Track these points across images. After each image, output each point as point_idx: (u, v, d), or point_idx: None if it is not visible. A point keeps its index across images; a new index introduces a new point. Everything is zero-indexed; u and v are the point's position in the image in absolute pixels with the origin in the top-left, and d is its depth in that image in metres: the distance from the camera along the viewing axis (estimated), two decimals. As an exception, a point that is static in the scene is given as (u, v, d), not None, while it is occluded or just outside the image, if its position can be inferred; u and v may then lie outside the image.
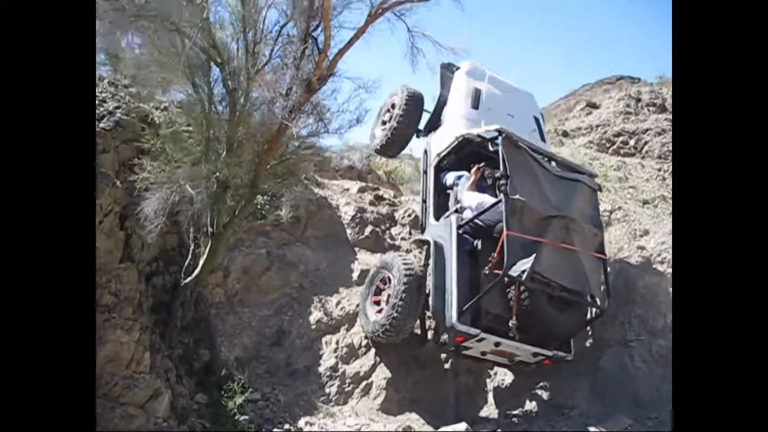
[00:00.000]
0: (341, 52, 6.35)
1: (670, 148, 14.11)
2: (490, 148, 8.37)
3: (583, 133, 15.32)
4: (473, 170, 8.62)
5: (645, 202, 12.02)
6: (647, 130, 14.94)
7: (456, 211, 8.34)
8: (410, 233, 11.48)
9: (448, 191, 9.05)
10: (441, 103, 10.14)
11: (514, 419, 8.43)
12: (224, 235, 7.01)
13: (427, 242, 8.53)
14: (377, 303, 8.68)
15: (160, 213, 5.75)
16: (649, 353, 8.61)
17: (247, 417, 6.97)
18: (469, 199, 8.29)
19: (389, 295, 8.34)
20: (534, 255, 7.04)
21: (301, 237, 10.30)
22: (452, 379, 9.03)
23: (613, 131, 15.09)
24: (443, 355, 9.15)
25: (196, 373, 7.39)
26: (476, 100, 9.90)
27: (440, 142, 9.54)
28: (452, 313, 7.33)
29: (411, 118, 10.25)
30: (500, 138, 7.76)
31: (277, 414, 7.57)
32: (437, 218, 8.77)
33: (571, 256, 7.60)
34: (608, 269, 8.30)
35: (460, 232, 8.02)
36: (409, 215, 11.78)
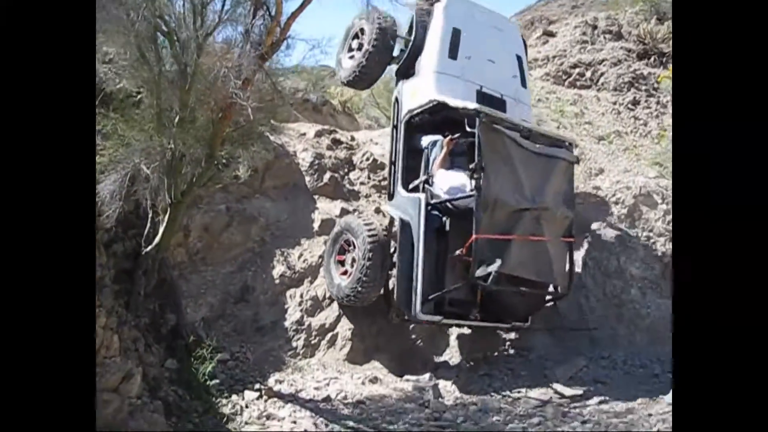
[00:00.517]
0: (294, 16, 6.17)
1: (626, 80, 14.21)
2: (467, 126, 7.66)
3: (539, 64, 15.26)
4: (446, 141, 8.13)
5: (600, 139, 12.19)
6: (603, 60, 14.95)
7: (426, 182, 8.18)
8: (369, 177, 11.49)
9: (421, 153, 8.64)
10: (415, 48, 8.90)
11: (474, 363, 8.75)
12: (183, 203, 6.94)
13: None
14: (341, 263, 8.61)
15: (117, 196, 5.66)
16: (603, 294, 8.96)
17: (217, 380, 7.09)
18: (441, 179, 7.99)
19: (354, 260, 8.25)
20: (501, 257, 7.14)
21: (260, 188, 10.24)
22: (415, 326, 9.28)
23: (570, 62, 15.07)
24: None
25: (164, 338, 7.44)
26: (455, 47, 8.76)
27: (413, 95, 8.63)
28: (416, 304, 7.45)
29: (383, 54, 9.21)
30: (478, 121, 7.29)
31: (247, 373, 7.74)
32: (406, 186, 8.33)
33: (538, 248, 7.72)
34: (573, 252, 8.44)
35: (429, 209, 7.83)
36: (368, 159, 11.75)
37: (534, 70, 15.29)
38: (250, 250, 9.46)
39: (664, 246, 9.61)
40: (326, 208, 10.47)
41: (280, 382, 7.69)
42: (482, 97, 8.53)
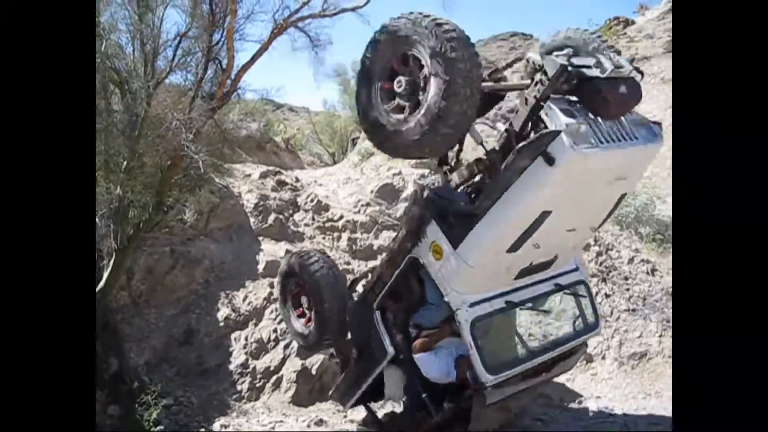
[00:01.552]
0: (244, 68, 6.39)
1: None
2: None
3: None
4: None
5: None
6: (538, 105, 15.55)
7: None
8: (313, 219, 11.65)
9: None
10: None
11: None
12: (129, 248, 6.98)
13: None
14: (300, 315, 7.32)
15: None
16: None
17: (162, 426, 7.06)
18: (425, 364, 6.10)
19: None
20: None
21: (205, 230, 10.27)
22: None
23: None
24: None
25: (107, 384, 7.39)
26: (524, 239, 5.23)
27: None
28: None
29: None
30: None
31: (192, 417, 7.72)
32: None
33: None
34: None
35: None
36: (312, 200, 11.93)
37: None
38: (195, 292, 9.45)
39: (597, 286, 10.02)
40: (271, 249, 10.56)
41: (226, 426, 7.69)
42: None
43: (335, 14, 6.85)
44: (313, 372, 8.92)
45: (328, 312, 6.71)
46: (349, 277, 8.21)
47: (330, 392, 7.60)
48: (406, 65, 4.74)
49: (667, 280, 10.49)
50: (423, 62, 4.53)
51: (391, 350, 6.01)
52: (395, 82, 4.81)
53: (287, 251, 10.57)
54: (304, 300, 7.27)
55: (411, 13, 4.64)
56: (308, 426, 7.93)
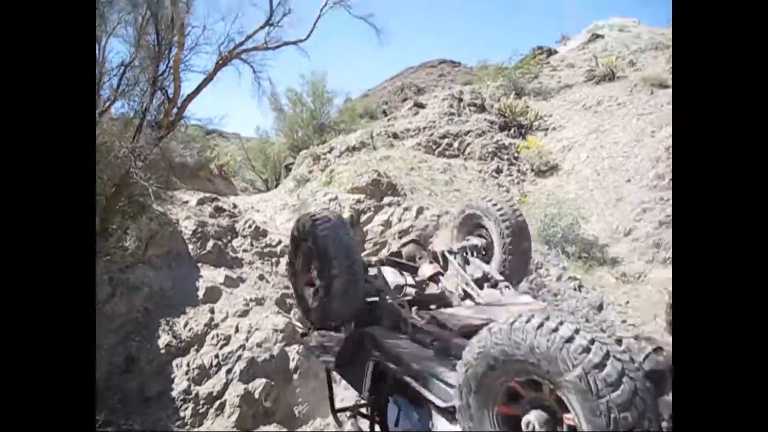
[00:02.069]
0: (189, 98, 6.55)
1: (489, 149, 15.44)
2: None
3: (411, 134, 16.25)
4: None
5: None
6: (469, 131, 16.19)
7: None
8: (252, 244, 11.75)
9: None
10: None
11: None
12: (72, 276, 6.96)
13: None
14: (309, 283, 5.99)
15: None
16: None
17: (105, 456, 7.01)
18: None
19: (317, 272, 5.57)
20: None
21: (143, 257, 10.22)
22: (302, 386, 9.53)
23: (439, 133, 16.17)
24: (291, 364, 9.62)
25: (48, 415, 7.29)
26: None
27: None
28: None
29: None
30: None
31: (135, 446, 7.68)
32: None
33: None
34: None
35: None
36: (250, 226, 12.03)
37: (406, 140, 16.27)
38: (134, 320, 9.40)
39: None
40: (210, 275, 10.60)
41: (170, 453, 7.69)
42: None
43: (278, 47, 7.10)
44: (256, 396, 8.99)
45: (336, 283, 5.41)
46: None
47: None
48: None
49: (593, 295, 11.05)
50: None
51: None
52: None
53: (227, 277, 10.66)
54: (314, 269, 6.01)
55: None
56: (254, 449, 8.02)
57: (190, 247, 10.91)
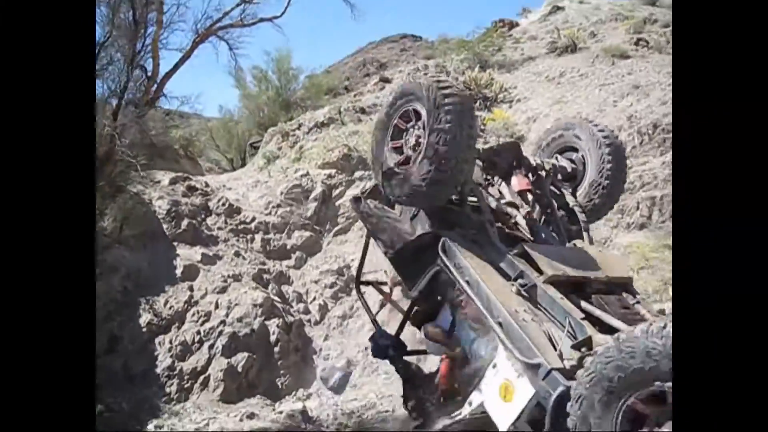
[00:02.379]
0: (168, 76, 6.61)
1: (456, 122, 15.64)
2: None
3: (378, 109, 16.35)
4: None
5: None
6: (434, 105, 16.37)
7: None
8: (226, 222, 11.84)
9: None
10: None
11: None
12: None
13: None
14: (398, 150, 5.18)
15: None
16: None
17: (96, 432, 7.12)
18: None
19: (418, 137, 4.87)
20: None
21: (119, 238, 10.26)
22: (283, 358, 9.74)
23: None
24: (272, 338, 9.81)
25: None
26: None
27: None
28: None
29: None
30: None
31: (125, 423, 7.80)
32: None
33: None
34: None
35: None
36: (224, 204, 12.11)
37: (374, 114, 16.38)
38: (114, 300, 9.46)
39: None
40: (186, 254, 10.68)
41: (160, 427, 7.84)
42: None
43: (254, 24, 7.17)
44: (239, 369, 9.17)
45: (443, 165, 4.64)
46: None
47: None
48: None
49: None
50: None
51: None
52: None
53: (204, 254, 10.75)
54: (411, 135, 5.04)
55: None
56: (240, 420, 8.21)
57: (165, 226, 10.95)
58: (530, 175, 5.56)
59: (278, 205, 12.70)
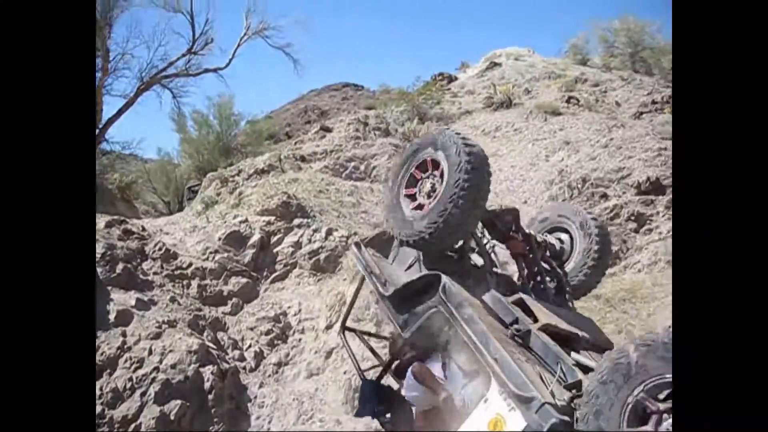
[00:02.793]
0: (110, 122, 6.66)
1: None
2: None
3: (318, 158, 16.64)
4: None
5: (376, 226, 13.62)
6: (374, 155, 16.76)
7: None
8: (162, 267, 11.74)
9: None
10: None
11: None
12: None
13: None
14: (412, 197, 5.58)
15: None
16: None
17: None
18: None
19: (434, 185, 5.32)
20: None
21: (51, 281, 10.04)
22: (217, 406, 9.63)
23: (346, 156, 16.66)
24: (206, 385, 9.71)
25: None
26: None
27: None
28: None
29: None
30: None
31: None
32: None
33: None
34: None
35: None
36: (160, 248, 12.02)
37: (314, 162, 16.65)
38: (44, 345, 9.22)
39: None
40: (121, 299, 10.52)
41: (86, 477, 7.63)
42: None
43: (198, 74, 7.31)
44: (172, 417, 9.01)
45: (455, 212, 4.97)
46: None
47: None
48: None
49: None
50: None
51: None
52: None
53: (138, 299, 10.61)
54: (427, 183, 5.47)
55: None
56: (171, 470, 8.08)
57: (99, 270, 10.78)
58: (525, 243, 6.06)
59: (216, 251, 12.68)
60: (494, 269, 5.52)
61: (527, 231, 6.20)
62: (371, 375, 6.34)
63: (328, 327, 11.15)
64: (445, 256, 5.51)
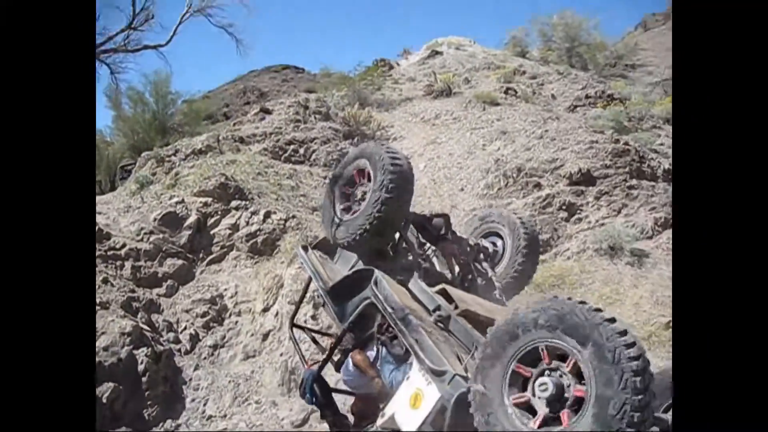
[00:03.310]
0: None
1: (334, 157, 16.07)
2: None
3: (258, 140, 16.51)
4: None
5: (314, 210, 13.66)
6: (314, 138, 16.74)
7: None
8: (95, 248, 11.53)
9: None
10: None
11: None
12: None
13: None
14: (347, 200, 6.15)
15: None
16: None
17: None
18: None
19: (364, 192, 5.88)
20: None
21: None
22: (151, 388, 9.57)
23: (285, 139, 16.57)
24: (139, 367, 9.62)
25: None
26: None
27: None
28: None
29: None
30: None
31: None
32: None
33: None
34: None
35: None
36: (93, 228, 11.79)
37: (253, 144, 16.51)
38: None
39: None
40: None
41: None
42: None
43: (137, 50, 7.18)
44: (104, 400, 8.91)
45: (384, 211, 5.50)
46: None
47: None
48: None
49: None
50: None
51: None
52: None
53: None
54: (359, 190, 6.02)
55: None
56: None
57: (29, 250, 10.51)
58: (457, 246, 6.50)
59: (150, 232, 12.49)
60: (423, 264, 5.94)
61: (459, 235, 6.66)
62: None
63: (265, 309, 11.14)
64: (382, 255, 5.97)
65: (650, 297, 11.60)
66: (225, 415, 9.35)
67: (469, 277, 6.46)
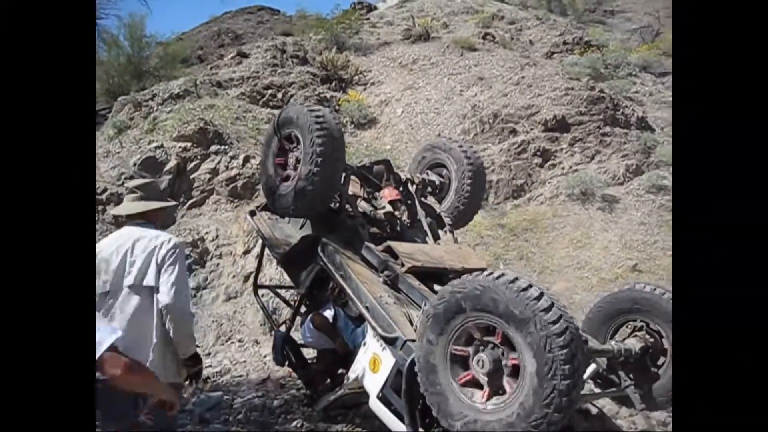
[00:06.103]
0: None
1: (312, 102, 16.09)
2: None
3: (235, 84, 16.47)
4: None
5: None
6: (292, 83, 16.73)
7: None
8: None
9: None
10: None
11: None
12: None
13: None
14: (283, 167, 5.93)
15: None
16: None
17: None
18: None
19: (297, 158, 5.67)
20: None
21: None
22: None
23: (263, 84, 16.54)
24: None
25: None
26: None
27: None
28: None
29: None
30: None
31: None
32: None
33: None
34: None
35: None
36: (73, 172, 11.85)
37: (230, 89, 16.48)
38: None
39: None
40: None
41: None
42: None
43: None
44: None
45: (317, 179, 5.38)
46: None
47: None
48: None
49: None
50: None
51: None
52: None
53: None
54: (293, 156, 5.81)
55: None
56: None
57: (9, 194, 10.57)
58: (400, 187, 6.60)
59: (131, 177, 12.57)
60: (365, 226, 5.91)
61: (402, 177, 6.72)
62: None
63: (246, 252, 11.38)
64: (328, 215, 6.04)
65: (619, 241, 12.04)
66: (209, 354, 9.66)
67: (417, 217, 6.50)
